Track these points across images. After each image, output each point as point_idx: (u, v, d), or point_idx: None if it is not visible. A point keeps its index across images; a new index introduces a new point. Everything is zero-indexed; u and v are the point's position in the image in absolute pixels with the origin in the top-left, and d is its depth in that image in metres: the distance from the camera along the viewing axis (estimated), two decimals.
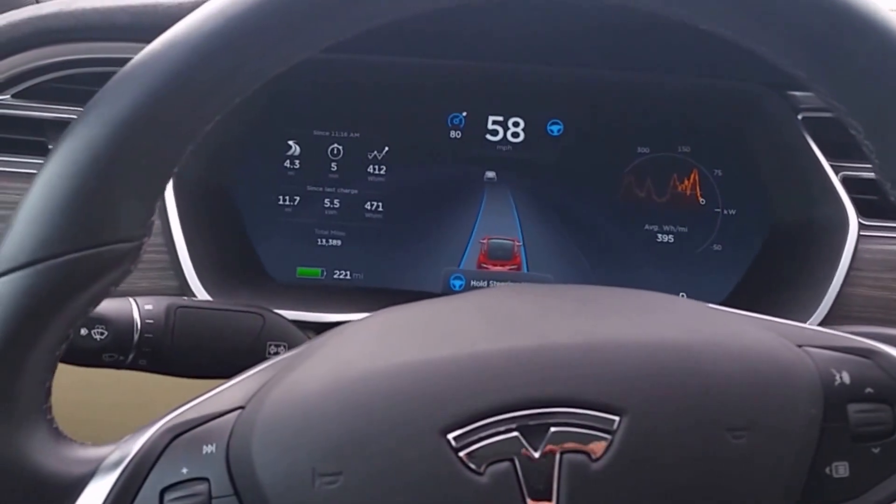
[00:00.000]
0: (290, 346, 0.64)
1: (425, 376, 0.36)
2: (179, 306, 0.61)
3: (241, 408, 0.37)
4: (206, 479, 0.35)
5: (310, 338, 0.66)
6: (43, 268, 0.34)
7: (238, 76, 0.38)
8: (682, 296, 0.85)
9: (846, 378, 0.37)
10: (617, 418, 0.35)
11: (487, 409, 0.35)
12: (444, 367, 0.36)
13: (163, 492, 0.35)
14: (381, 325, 0.41)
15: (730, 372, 0.37)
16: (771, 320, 0.42)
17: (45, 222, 0.34)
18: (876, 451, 0.36)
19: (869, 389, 0.37)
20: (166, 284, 0.77)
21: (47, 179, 0.34)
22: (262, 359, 0.64)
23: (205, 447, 0.36)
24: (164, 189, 0.38)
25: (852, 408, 0.37)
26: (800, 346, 0.38)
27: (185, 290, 0.75)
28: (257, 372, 0.39)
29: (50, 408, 0.37)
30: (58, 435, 0.37)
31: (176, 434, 0.36)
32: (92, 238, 0.35)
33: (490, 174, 0.85)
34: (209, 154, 0.79)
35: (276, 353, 0.65)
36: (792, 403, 0.36)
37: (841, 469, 0.36)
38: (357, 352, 0.39)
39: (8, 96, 0.77)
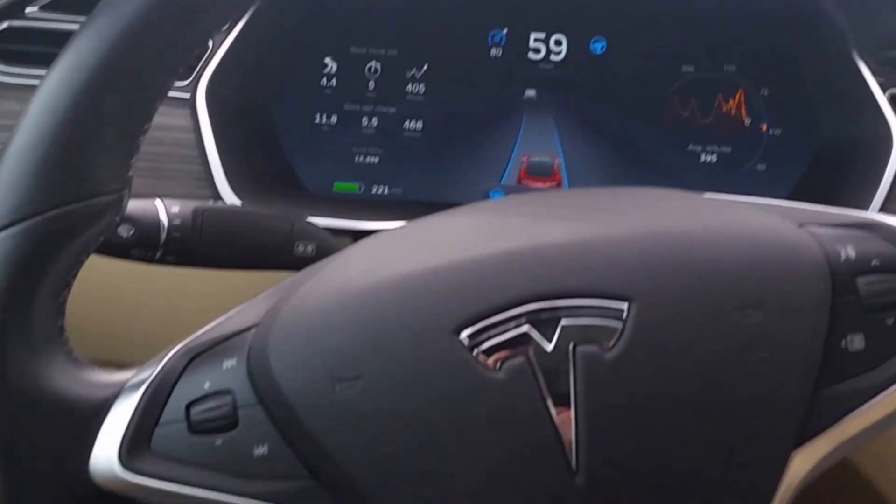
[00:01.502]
0: (319, 247, 0.63)
1: (434, 281, 0.36)
2: (207, 209, 0.61)
3: (257, 325, 0.38)
4: (229, 392, 0.36)
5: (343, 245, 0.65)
6: (26, 226, 0.35)
7: (197, 23, 0.38)
8: None
9: (851, 252, 0.37)
10: (625, 304, 0.35)
11: (497, 305, 0.35)
12: (452, 272, 0.37)
13: (189, 406, 0.36)
14: (386, 241, 0.41)
15: (733, 254, 0.37)
16: (771, 203, 0.42)
17: (23, 184, 0.35)
18: (890, 321, 0.36)
19: (875, 261, 0.37)
20: (200, 193, 0.76)
21: (22, 141, 0.36)
22: (291, 257, 0.64)
23: (225, 362, 0.37)
24: (137, 144, 0.38)
25: (861, 280, 0.36)
26: (802, 224, 0.38)
27: (218, 199, 0.74)
28: (268, 294, 0.40)
29: (67, 340, 0.38)
30: (78, 363, 0.38)
31: (195, 354, 0.37)
32: (69, 195, 0.36)
33: (531, 93, 0.84)
34: (245, 70, 0.79)
35: (304, 253, 0.64)
36: (800, 280, 0.36)
37: (856, 341, 0.36)
38: (363, 266, 0.39)
39: (36, 8, 0.76)
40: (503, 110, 0.84)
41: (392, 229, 0.42)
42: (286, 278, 0.42)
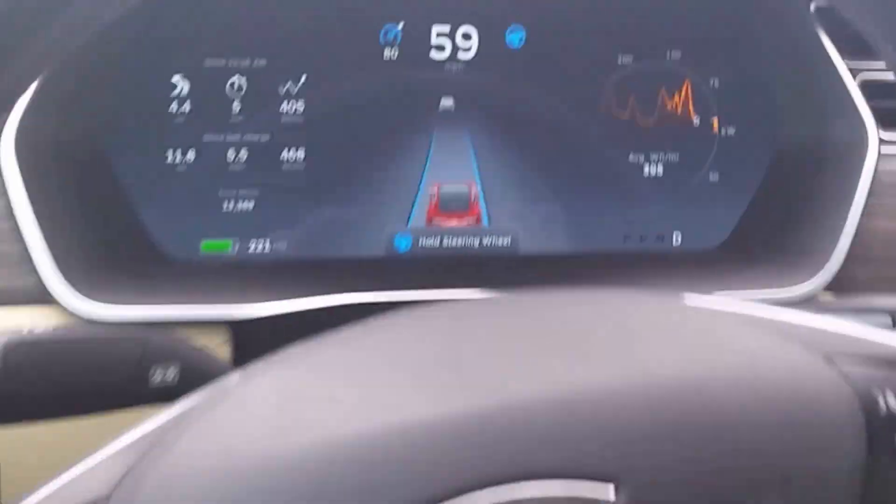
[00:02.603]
0: (183, 371, 0.49)
1: (354, 460, 0.27)
2: (19, 343, 0.45)
3: (107, 499, 0.28)
4: None
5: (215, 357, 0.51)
6: None
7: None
8: (677, 237, 0.71)
9: (892, 401, 0.30)
10: (611, 488, 0.27)
11: (439, 493, 0.26)
12: (381, 446, 0.28)
13: None
14: (286, 374, 0.31)
15: (749, 416, 0.29)
16: (788, 319, 0.33)
17: None
18: None
19: None
20: (22, 284, 0.59)
21: None
22: (146, 388, 0.49)
23: None
24: None
25: None
26: (829, 359, 0.31)
27: (43, 290, 0.57)
28: (120, 449, 0.30)
29: None
30: None
31: None
32: None
33: (446, 102, 0.68)
34: (66, 101, 0.59)
35: (164, 381, 0.51)
36: (831, 449, 0.30)
37: None
38: (255, 424, 0.29)
39: None
40: (406, 128, 0.68)
41: (294, 356, 0.32)
42: (143, 420, 0.31)
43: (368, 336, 0.32)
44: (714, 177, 0.70)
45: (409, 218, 0.68)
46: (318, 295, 0.65)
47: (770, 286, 0.64)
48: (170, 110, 0.66)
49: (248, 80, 0.66)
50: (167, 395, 0.51)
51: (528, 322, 0.33)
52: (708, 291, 0.68)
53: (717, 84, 0.69)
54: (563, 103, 0.68)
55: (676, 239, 0.71)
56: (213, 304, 0.62)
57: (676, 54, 0.68)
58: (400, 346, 0.32)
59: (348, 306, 0.64)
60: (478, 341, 0.31)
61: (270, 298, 0.63)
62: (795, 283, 0.63)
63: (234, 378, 0.31)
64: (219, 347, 0.64)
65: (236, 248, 0.68)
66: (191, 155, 0.66)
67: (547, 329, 0.33)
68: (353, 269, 0.68)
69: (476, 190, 0.69)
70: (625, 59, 0.68)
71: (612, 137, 0.69)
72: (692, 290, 0.69)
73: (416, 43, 0.66)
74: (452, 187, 0.68)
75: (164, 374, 0.50)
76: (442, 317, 0.34)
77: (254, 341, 0.66)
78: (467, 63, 0.67)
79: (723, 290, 0.66)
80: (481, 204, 0.69)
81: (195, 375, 0.53)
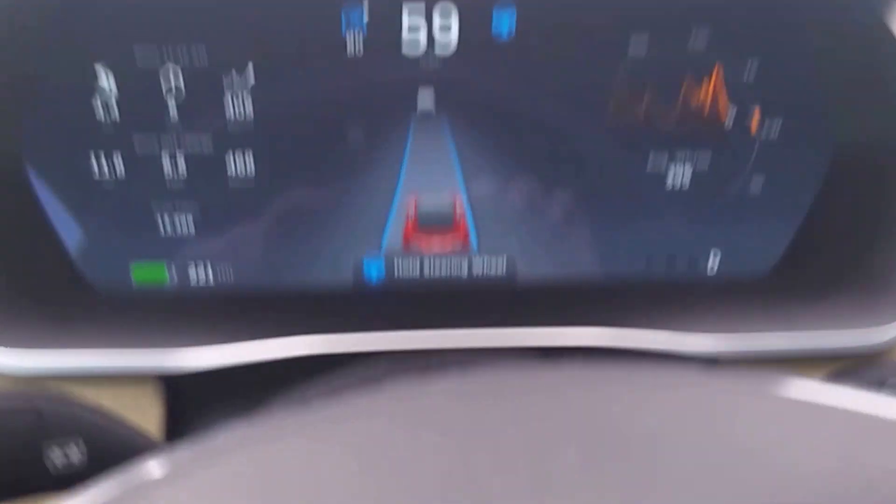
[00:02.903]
0: (92, 450, 0.38)
1: None
2: None
3: None
4: None
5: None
6: None
7: None
8: (714, 262, 0.58)
9: None
10: None
11: None
12: None
13: None
14: (226, 471, 0.23)
15: None
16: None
17: None
18: None
19: None
20: None
21: None
22: (44, 474, 0.40)
23: None
24: None
25: None
26: None
27: None
28: None
29: None
30: None
31: None
32: None
33: (425, 100, 0.56)
34: None
35: (65, 467, 0.40)
36: None
37: None
38: None
39: None
40: (376, 131, 0.56)
41: (243, 440, 0.24)
42: None
43: (348, 424, 0.23)
44: (756, 188, 0.57)
45: (382, 239, 0.56)
46: (270, 338, 0.53)
47: (837, 326, 0.51)
48: (92, 108, 0.55)
49: (184, 71, 0.55)
50: (71, 480, 0.40)
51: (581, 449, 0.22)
52: (755, 329, 0.55)
53: (754, 68, 0.56)
54: (564, 99, 0.56)
55: (713, 264, 0.58)
56: (143, 350, 0.52)
57: (703, 33, 0.55)
58: (398, 449, 0.22)
59: (308, 356, 0.53)
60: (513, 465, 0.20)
61: (212, 342, 0.52)
62: (872, 324, 0.50)
63: (156, 469, 0.23)
64: (148, 407, 0.53)
65: (173, 277, 0.56)
66: (117, 164, 0.56)
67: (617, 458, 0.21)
68: (314, 305, 0.56)
69: (461, 201, 0.56)
70: (638, 40, 0.56)
71: (624, 141, 0.57)
72: (735, 328, 0.56)
73: (385, 30, 0.55)
74: (433, 200, 0.56)
75: (66, 454, 0.39)
76: (452, 406, 0.23)
77: (192, 398, 0.54)
78: (445, 57, 0.55)
79: (774, 329, 0.53)
80: (469, 220, 0.57)
81: (109, 453, 0.40)
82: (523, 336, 0.53)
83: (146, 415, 0.52)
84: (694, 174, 0.57)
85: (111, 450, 0.40)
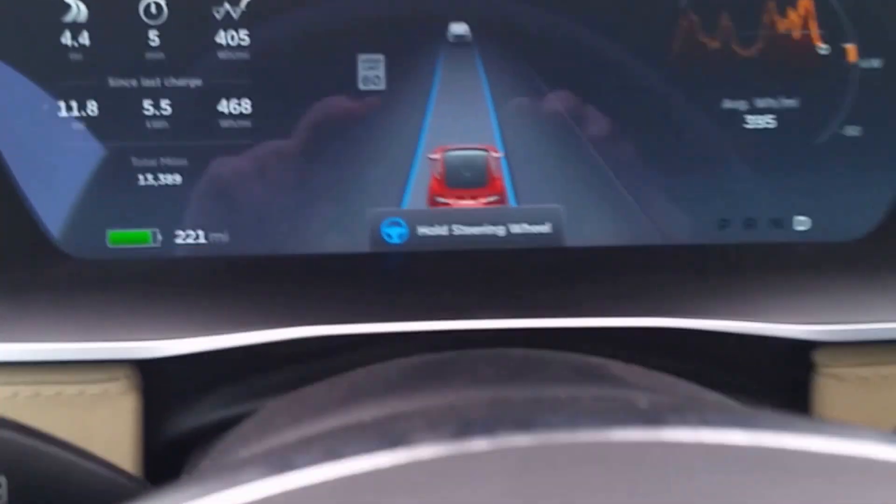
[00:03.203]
0: (13, 480, 0.30)
1: None
2: None
3: None
4: None
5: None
6: None
7: None
8: (801, 223, 0.49)
9: None
10: None
11: None
12: None
13: None
14: None
15: None
16: None
17: None
18: None
19: None
20: None
21: None
22: None
23: None
24: None
25: None
26: None
27: None
28: None
29: None
30: None
31: None
32: None
33: (458, 29, 0.47)
34: None
35: None
36: None
37: None
38: None
39: None
40: (394, 68, 0.47)
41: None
42: None
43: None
44: (853, 131, 0.47)
45: (403, 197, 0.48)
46: (271, 317, 0.45)
47: None
48: (62, 41, 0.46)
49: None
50: None
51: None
52: (851, 307, 0.45)
53: None
54: (623, 27, 0.47)
55: (800, 225, 0.48)
56: (117, 331, 0.43)
57: None
58: None
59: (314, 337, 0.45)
60: None
61: (200, 324, 0.44)
62: None
63: None
64: (120, 396, 0.44)
65: (158, 239, 0.48)
66: (90, 106, 0.47)
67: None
68: (323, 272, 0.48)
69: (497, 154, 0.47)
70: None
71: (695, 75, 0.47)
72: (828, 306, 0.47)
73: None
74: (464, 152, 0.47)
75: None
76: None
77: (174, 388, 0.46)
78: None
79: (870, 304, 0.44)
80: (505, 173, 0.47)
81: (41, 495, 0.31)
82: (569, 316, 0.45)
83: (117, 408, 0.43)
84: (778, 116, 0.47)
85: (47, 490, 0.31)
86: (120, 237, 0.47)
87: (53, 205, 0.47)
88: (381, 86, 0.47)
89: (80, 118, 0.47)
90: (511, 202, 0.48)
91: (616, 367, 0.38)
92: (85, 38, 0.47)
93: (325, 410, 0.33)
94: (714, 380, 0.39)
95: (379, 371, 0.39)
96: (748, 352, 0.45)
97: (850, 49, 0.47)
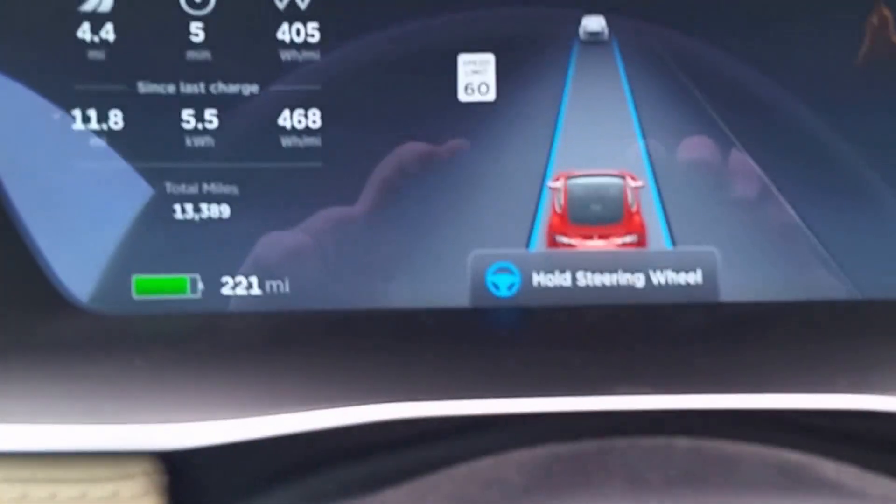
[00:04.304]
0: None
1: None
2: None
3: None
4: None
5: None
6: None
7: None
8: None
9: None
10: None
11: None
12: None
13: None
14: None
15: None
16: None
17: None
18: None
19: None
20: None
21: None
22: None
23: None
24: None
25: None
26: None
27: None
28: None
29: None
30: None
31: None
32: None
33: (593, 24, 0.37)
34: None
35: None
36: None
37: None
38: None
39: None
40: (509, 67, 0.37)
41: None
42: None
43: None
44: None
45: (515, 237, 0.37)
46: (343, 392, 0.34)
47: None
48: (79, 37, 0.36)
49: None
50: None
51: None
52: None
53: None
54: (795, 35, 0.37)
55: None
56: (137, 410, 0.32)
57: None
58: None
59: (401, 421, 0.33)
60: None
61: (249, 400, 0.33)
62: None
63: None
64: (135, 502, 0.33)
65: (199, 288, 0.37)
66: (115, 118, 0.37)
67: None
68: (412, 333, 0.37)
69: (638, 184, 0.37)
70: None
71: (886, 85, 0.37)
72: None
73: None
74: (593, 179, 0.37)
75: None
76: None
77: (210, 490, 0.35)
78: None
79: None
80: (657, 209, 0.37)
81: None
82: (743, 392, 0.34)
83: None
84: None
85: None
86: (149, 286, 0.37)
87: (64, 245, 0.36)
88: (490, 96, 0.37)
89: (99, 132, 0.37)
90: (665, 243, 0.37)
91: (827, 467, 0.28)
92: (108, 33, 0.37)
93: None
94: None
95: (489, 468, 0.29)
96: None
97: None
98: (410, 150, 0.37)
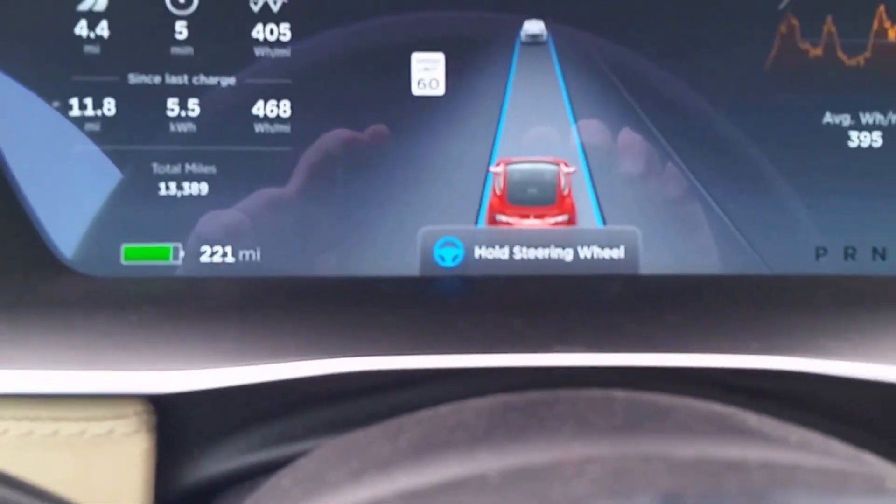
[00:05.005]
0: None
1: None
2: None
3: None
4: None
5: None
6: None
7: None
8: None
9: None
10: None
11: None
12: None
13: None
14: None
15: None
16: None
17: None
18: None
19: None
20: None
21: None
22: None
23: None
24: None
25: None
26: None
27: None
28: None
29: None
30: None
31: None
32: None
33: (534, 27, 0.41)
34: None
35: None
36: None
37: None
38: None
39: None
40: (457, 65, 0.42)
41: None
42: None
43: None
44: None
45: (461, 215, 0.42)
46: (307, 347, 0.39)
47: None
48: (76, 33, 0.41)
49: None
50: None
51: None
52: None
53: None
54: (714, 37, 0.42)
55: None
56: (129, 360, 0.37)
57: None
58: None
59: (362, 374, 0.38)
60: None
61: (227, 352, 0.38)
62: None
63: None
64: (129, 437, 0.38)
65: (180, 255, 0.42)
66: (106, 105, 0.41)
67: None
68: (367, 297, 0.42)
69: (570, 170, 0.42)
70: None
71: (791, 86, 0.42)
72: None
73: None
74: (529, 166, 0.42)
75: None
76: None
77: (193, 428, 0.40)
78: None
79: None
80: (590, 194, 0.42)
81: None
82: (646, 356, 0.39)
83: (125, 452, 0.37)
84: (885, 132, 0.42)
85: None
86: (136, 253, 0.42)
87: (61, 215, 0.41)
88: (440, 90, 0.41)
89: (93, 118, 0.41)
90: (597, 223, 0.42)
91: (749, 417, 0.32)
92: (103, 29, 0.41)
93: (395, 463, 0.27)
94: (830, 432, 0.33)
95: (451, 414, 0.33)
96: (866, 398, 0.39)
97: None
98: (370, 136, 0.42)
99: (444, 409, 0.32)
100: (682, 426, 0.28)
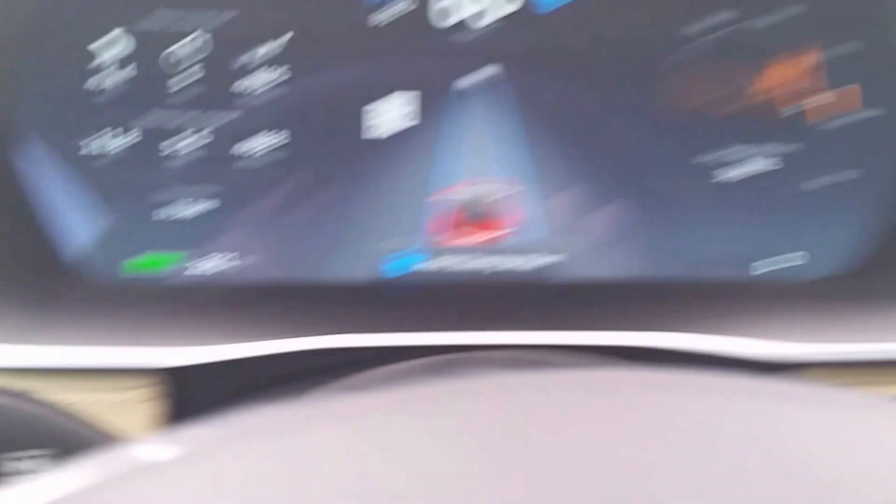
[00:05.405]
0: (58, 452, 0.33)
1: None
2: None
3: None
4: None
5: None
6: None
7: None
8: (789, 261, 0.53)
9: None
10: None
11: None
12: None
13: None
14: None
15: None
16: None
17: None
18: None
19: None
20: None
21: None
22: None
23: None
24: None
25: None
26: None
27: None
28: None
29: None
30: None
31: None
32: None
33: (475, 77, 0.51)
34: None
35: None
36: None
37: None
38: None
39: None
40: (425, 102, 0.51)
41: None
42: None
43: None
44: (826, 180, 0.52)
45: (413, 232, 0.52)
46: (288, 331, 0.49)
47: None
48: (90, 84, 0.49)
49: (214, 38, 0.50)
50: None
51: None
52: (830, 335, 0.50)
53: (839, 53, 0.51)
54: (605, 82, 0.52)
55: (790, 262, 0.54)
56: (137, 344, 0.46)
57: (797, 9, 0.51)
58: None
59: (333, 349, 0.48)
60: None
61: (214, 336, 0.47)
62: None
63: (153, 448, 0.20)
64: (141, 405, 0.47)
65: (186, 262, 0.51)
66: (124, 135, 0.50)
67: None
68: (332, 298, 0.51)
69: (499, 191, 0.52)
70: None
71: (673, 129, 0.52)
72: (790, 339, 0.51)
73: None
74: (476, 187, 0.52)
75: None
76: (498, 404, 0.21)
77: (197, 398, 0.49)
78: (480, 31, 0.51)
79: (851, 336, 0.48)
80: (530, 209, 0.52)
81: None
82: (560, 336, 0.49)
83: (138, 418, 0.46)
84: (765, 165, 0.52)
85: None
86: (140, 265, 0.51)
87: (67, 224, 0.50)
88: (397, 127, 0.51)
89: (105, 151, 0.50)
90: (509, 238, 0.52)
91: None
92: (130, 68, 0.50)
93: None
94: None
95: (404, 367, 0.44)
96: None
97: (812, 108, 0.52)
98: (331, 171, 0.51)
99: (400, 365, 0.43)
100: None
